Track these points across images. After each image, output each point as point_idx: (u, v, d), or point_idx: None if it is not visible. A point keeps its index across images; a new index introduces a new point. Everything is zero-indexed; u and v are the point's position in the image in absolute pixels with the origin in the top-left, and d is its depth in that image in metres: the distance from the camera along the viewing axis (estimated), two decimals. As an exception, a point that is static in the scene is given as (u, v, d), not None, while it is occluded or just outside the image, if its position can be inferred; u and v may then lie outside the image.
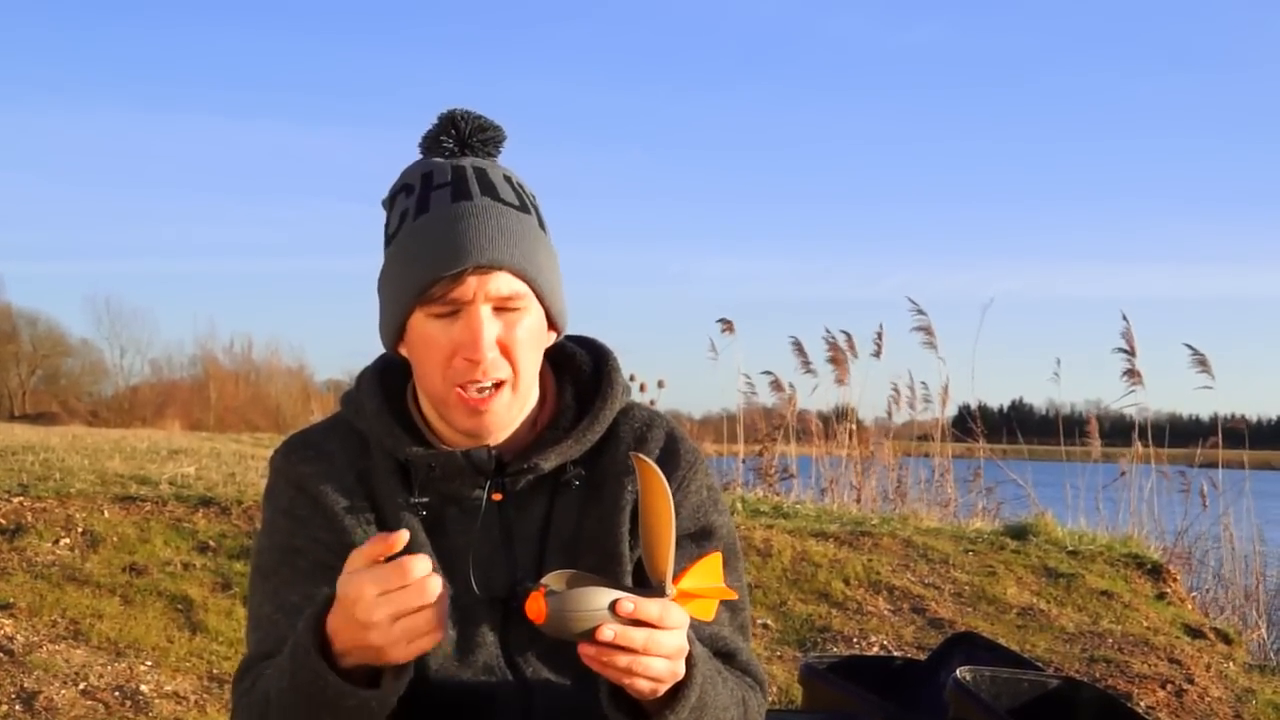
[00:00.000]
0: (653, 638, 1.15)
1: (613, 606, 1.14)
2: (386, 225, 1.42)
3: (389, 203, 1.42)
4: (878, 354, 8.74)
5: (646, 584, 1.21)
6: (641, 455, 1.20)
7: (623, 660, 1.15)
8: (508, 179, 1.41)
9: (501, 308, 1.35)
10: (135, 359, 40.73)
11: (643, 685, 1.17)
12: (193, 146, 54.85)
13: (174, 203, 54.55)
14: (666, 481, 1.18)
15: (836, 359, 8.73)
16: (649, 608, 1.15)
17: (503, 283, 1.34)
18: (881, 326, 8.78)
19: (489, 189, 1.37)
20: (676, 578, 1.20)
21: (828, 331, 8.87)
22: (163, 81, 53.56)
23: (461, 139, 1.41)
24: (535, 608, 1.14)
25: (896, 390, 8.92)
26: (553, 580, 1.17)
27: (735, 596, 1.33)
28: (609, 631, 1.14)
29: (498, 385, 1.35)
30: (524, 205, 1.40)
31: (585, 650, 1.15)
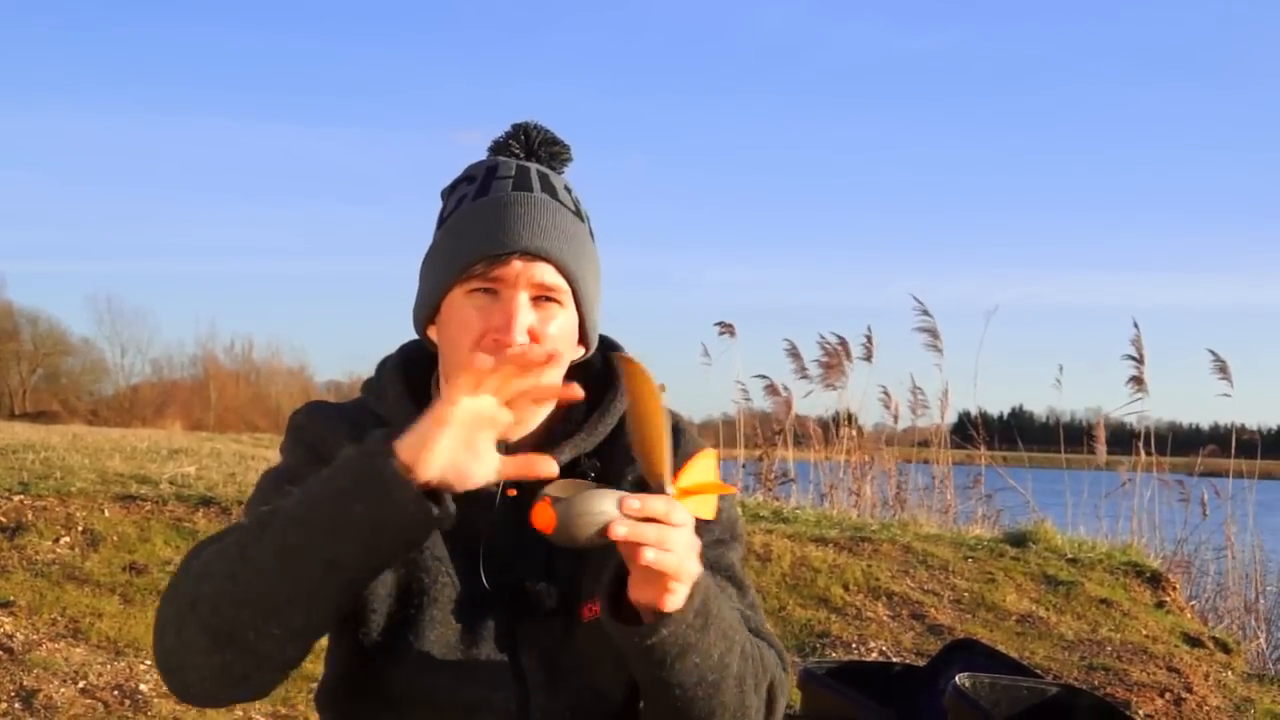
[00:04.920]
0: (663, 533, 1.15)
1: (619, 506, 1.14)
2: (442, 211, 1.44)
3: (449, 191, 1.45)
4: (868, 358, 8.74)
5: (646, 489, 1.20)
6: (626, 355, 1.20)
7: (647, 555, 1.14)
8: (568, 189, 1.44)
9: (540, 298, 1.36)
10: (136, 358, 40.80)
11: (675, 584, 1.17)
12: (195, 147, 54.95)
13: (176, 203, 54.65)
14: (654, 381, 1.17)
15: (830, 364, 8.73)
16: (655, 503, 1.15)
17: (546, 273, 1.36)
18: (870, 330, 8.78)
19: (549, 189, 1.41)
20: (673, 477, 1.20)
21: (821, 337, 8.88)
22: (166, 83, 53.66)
23: (529, 148, 1.45)
24: (544, 517, 1.13)
25: (887, 395, 8.92)
26: (555, 489, 1.16)
27: (734, 490, 1.34)
28: (621, 529, 1.13)
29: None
30: (579, 214, 1.43)
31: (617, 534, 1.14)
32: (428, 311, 1.42)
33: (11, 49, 51.48)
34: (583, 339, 1.45)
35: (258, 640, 1.18)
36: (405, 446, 1.13)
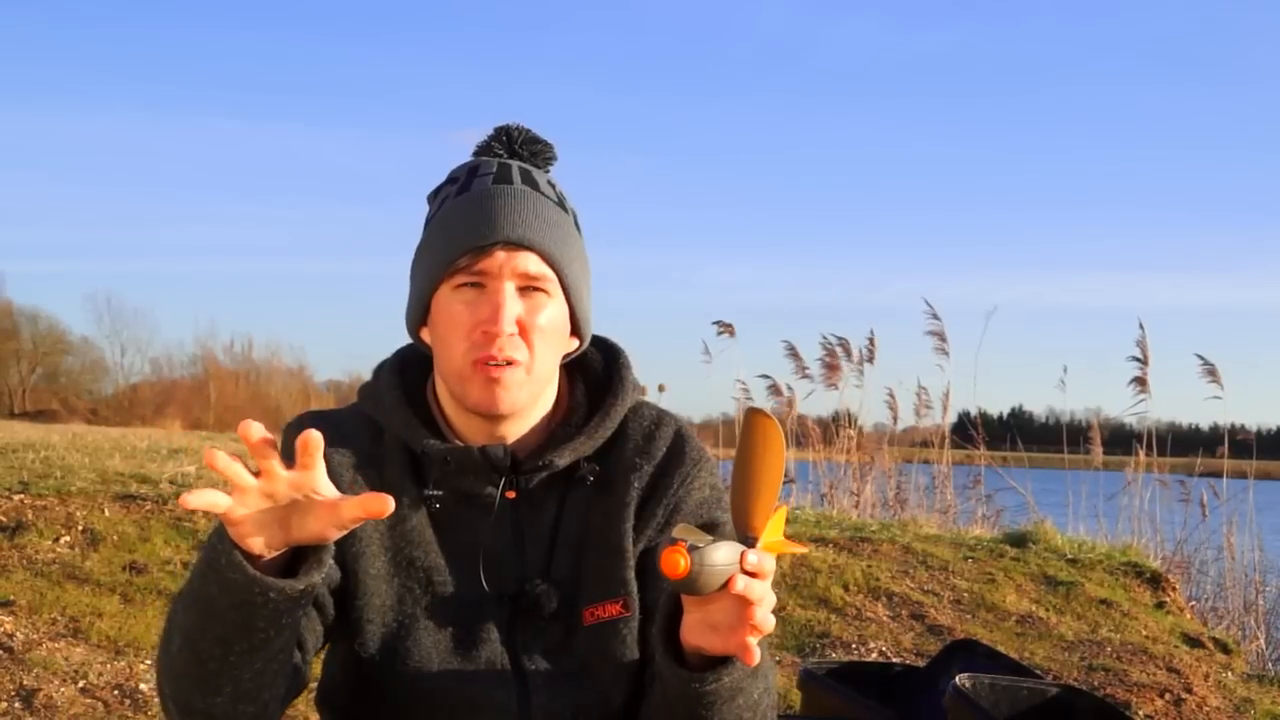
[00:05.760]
0: (766, 590, 1.15)
1: (739, 560, 1.13)
2: (427, 214, 1.45)
3: (433, 195, 1.45)
4: (870, 359, 8.74)
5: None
6: (760, 408, 1.19)
7: (759, 613, 1.14)
8: (551, 184, 1.44)
9: (526, 289, 1.36)
10: (135, 357, 40.83)
11: (755, 637, 1.17)
12: (195, 147, 54.96)
13: (176, 202, 54.67)
14: (783, 439, 1.17)
15: (831, 364, 8.73)
16: (768, 561, 1.15)
17: (530, 263, 1.36)
18: (873, 332, 8.78)
19: (530, 182, 1.41)
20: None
21: (824, 337, 8.88)
22: (167, 82, 53.68)
23: (511, 147, 1.45)
24: (679, 562, 1.10)
25: (893, 396, 8.92)
26: (686, 534, 1.14)
27: (806, 550, 1.34)
28: (741, 584, 1.12)
29: (511, 364, 1.36)
30: (562, 205, 1.43)
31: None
32: (418, 313, 1.42)
33: (11, 49, 51.48)
34: (575, 331, 1.44)
35: (209, 706, 1.23)
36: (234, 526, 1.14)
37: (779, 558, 1.19)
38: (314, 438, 1.11)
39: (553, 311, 1.38)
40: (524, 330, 1.36)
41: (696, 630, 1.19)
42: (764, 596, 1.14)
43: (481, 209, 1.36)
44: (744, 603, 1.13)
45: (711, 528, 1.45)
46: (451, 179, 1.43)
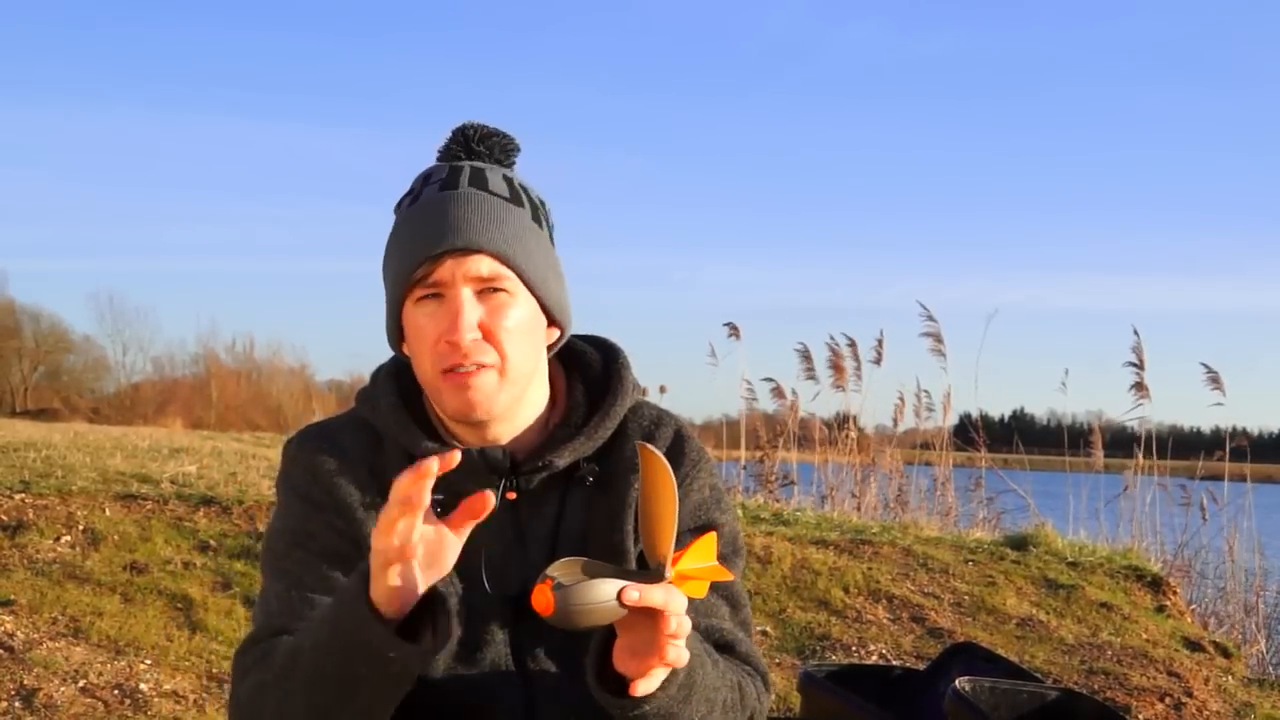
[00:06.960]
0: (673, 622, 1.16)
1: (618, 596, 1.15)
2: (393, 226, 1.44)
3: (397, 206, 1.45)
4: (878, 361, 8.75)
5: (645, 567, 1.22)
6: (646, 444, 1.21)
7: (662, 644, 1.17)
8: (507, 179, 1.43)
9: (485, 291, 1.36)
10: (137, 356, 40.76)
11: (662, 668, 1.20)
12: (198, 146, 54.94)
13: (178, 201, 54.57)
14: (671, 468, 1.19)
15: (837, 365, 8.73)
16: (654, 595, 1.15)
17: (483, 265, 1.35)
18: (882, 333, 8.79)
19: (479, 182, 1.40)
20: (673, 560, 1.21)
21: (831, 338, 8.88)
22: (168, 81, 53.66)
23: (468, 146, 1.44)
24: (543, 600, 1.14)
25: (901, 399, 8.93)
26: (559, 570, 1.16)
27: (731, 578, 1.35)
28: (612, 616, 1.15)
29: (481, 369, 1.36)
30: (516, 199, 1.41)
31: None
32: (395, 329, 1.42)
33: (13, 47, 51.53)
34: (552, 322, 1.44)
35: None
36: (379, 595, 1.17)
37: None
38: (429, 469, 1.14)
39: (518, 310, 1.37)
40: (489, 333, 1.35)
41: (620, 654, 1.22)
42: (668, 628, 1.16)
43: (427, 218, 1.36)
44: (654, 631, 1.16)
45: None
46: (410, 188, 1.44)
